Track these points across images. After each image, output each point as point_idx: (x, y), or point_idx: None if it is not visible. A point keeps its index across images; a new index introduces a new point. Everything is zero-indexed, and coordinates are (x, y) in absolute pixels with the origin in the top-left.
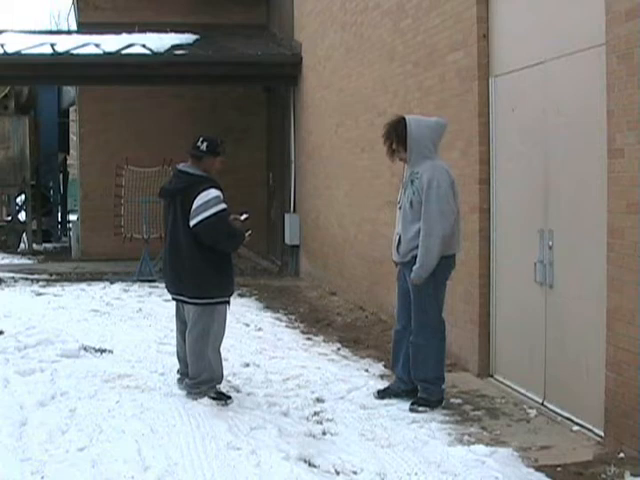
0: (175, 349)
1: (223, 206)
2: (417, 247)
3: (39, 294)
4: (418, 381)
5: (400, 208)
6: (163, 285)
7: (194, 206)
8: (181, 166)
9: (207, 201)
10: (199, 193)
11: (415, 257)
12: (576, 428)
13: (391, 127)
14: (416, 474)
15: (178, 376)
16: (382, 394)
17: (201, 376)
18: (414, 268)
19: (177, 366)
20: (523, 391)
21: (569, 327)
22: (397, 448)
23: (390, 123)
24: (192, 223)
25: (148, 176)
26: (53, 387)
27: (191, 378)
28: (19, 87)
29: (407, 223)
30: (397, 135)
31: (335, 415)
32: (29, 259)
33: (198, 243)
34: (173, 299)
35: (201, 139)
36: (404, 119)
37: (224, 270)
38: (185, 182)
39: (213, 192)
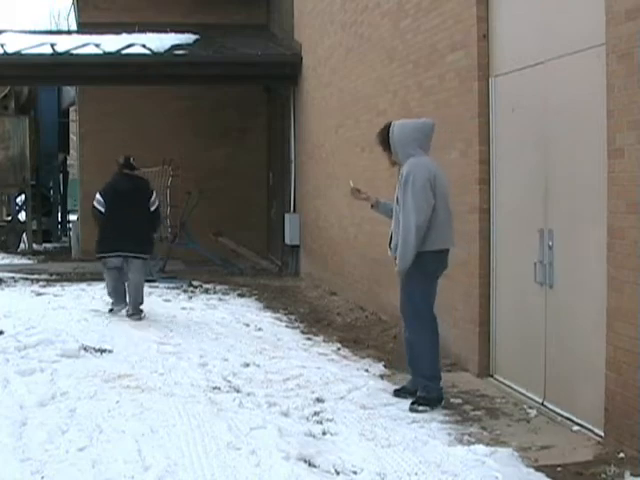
0: (175, 348)
1: None
2: None
3: (39, 294)
4: (416, 377)
5: None
6: (163, 285)
7: (153, 197)
8: (132, 174)
9: (155, 195)
10: (152, 190)
11: None
12: (576, 428)
13: (379, 135)
14: (416, 474)
15: (111, 308)
16: (398, 393)
17: (143, 298)
18: (396, 261)
19: (176, 366)
20: (523, 391)
21: (569, 327)
22: (397, 448)
23: (378, 131)
24: (154, 207)
25: (148, 176)
26: (53, 387)
27: (139, 302)
28: (19, 87)
29: (396, 219)
30: (383, 141)
31: (335, 415)
32: (29, 259)
33: (148, 219)
34: (124, 257)
35: (130, 159)
36: (390, 125)
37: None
38: (143, 182)
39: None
